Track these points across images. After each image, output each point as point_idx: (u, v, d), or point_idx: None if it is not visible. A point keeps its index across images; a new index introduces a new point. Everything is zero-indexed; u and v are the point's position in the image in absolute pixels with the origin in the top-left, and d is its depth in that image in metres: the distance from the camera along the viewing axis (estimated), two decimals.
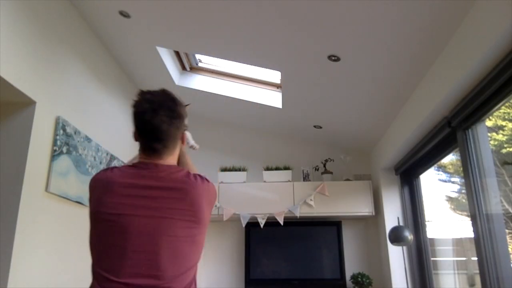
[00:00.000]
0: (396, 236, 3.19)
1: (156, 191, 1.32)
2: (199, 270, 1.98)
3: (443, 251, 3.55)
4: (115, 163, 3.16)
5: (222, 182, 3.97)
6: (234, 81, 3.83)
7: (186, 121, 1.56)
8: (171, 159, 1.42)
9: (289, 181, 3.97)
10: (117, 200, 1.29)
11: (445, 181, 3.40)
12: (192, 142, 1.82)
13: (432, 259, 3.38)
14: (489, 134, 2.37)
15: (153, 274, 1.23)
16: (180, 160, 1.67)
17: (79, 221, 2.68)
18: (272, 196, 3.90)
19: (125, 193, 1.30)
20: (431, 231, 3.43)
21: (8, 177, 2.12)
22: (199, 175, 1.42)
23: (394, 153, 3.40)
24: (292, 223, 3.89)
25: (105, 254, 1.26)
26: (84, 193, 2.67)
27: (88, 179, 2.72)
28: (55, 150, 2.38)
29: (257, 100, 3.76)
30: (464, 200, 2.67)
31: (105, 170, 1.39)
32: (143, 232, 1.26)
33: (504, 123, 2.36)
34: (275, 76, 3.63)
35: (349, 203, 3.85)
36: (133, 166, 1.40)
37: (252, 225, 3.86)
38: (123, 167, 1.41)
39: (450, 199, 3.32)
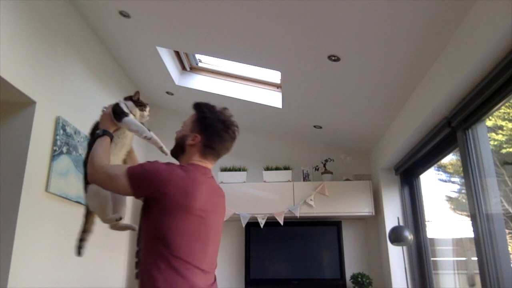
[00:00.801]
0: (396, 236, 3.18)
1: (217, 192, 1.57)
2: None
3: (443, 251, 3.55)
4: None
5: (222, 182, 3.96)
6: (234, 81, 3.83)
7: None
8: None
9: (289, 181, 3.97)
10: (206, 198, 1.46)
11: (445, 181, 3.40)
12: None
13: (432, 259, 3.38)
14: (488, 135, 2.37)
15: (214, 262, 1.53)
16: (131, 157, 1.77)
17: (79, 221, 2.67)
18: (272, 196, 3.90)
19: (208, 192, 1.49)
20: (431, 231, 3.43)
21: (8, 177, 2.12)
22: None
23: (394, 153, 3.40)
24: (292, 223, 3.89)
25: (192, 245, 1.41)
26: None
27: None
28: (55, 150, 2.38)
29: (257, 100, 3.75)
30: (464, 200, 2.67)
31: (180, 167, 1.46)
32: (217, 228, 1.52)
33: (504, 123, 2.36)
34: (275, 76, 3.63)
35: (349, 203, 3.85)
36: (195, 167, 1.51)
37: (252, 225, 3.86)
38: (186, 166, 1.50)
39: (450, 199, 3.32)
